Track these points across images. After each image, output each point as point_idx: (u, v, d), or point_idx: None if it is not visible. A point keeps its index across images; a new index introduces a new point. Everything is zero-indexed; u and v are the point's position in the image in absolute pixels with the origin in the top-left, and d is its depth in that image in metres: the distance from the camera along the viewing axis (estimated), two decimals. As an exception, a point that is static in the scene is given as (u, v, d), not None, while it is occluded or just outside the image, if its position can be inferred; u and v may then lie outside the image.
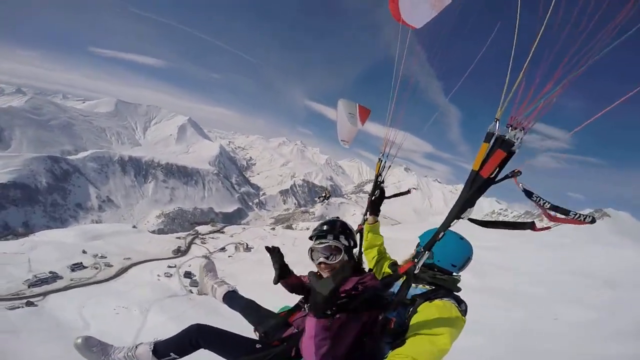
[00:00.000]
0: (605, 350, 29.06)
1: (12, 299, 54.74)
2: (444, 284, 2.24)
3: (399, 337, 2.10)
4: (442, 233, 1.81)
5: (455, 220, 1.69)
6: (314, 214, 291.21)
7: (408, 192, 3.67)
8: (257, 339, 2.76)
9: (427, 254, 1.91)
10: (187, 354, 2.59)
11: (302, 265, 3.20)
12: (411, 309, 2.16)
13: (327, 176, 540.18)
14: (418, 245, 2.33)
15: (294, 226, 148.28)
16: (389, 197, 3.65)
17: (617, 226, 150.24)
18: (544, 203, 1.50)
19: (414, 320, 2.02)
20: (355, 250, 2.79)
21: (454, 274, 2.33)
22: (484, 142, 1.52)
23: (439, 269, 2.30)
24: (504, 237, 78.15)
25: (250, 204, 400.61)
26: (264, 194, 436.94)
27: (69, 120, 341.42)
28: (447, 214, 1.72)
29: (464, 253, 2.32)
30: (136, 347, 2.59)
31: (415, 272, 1.95)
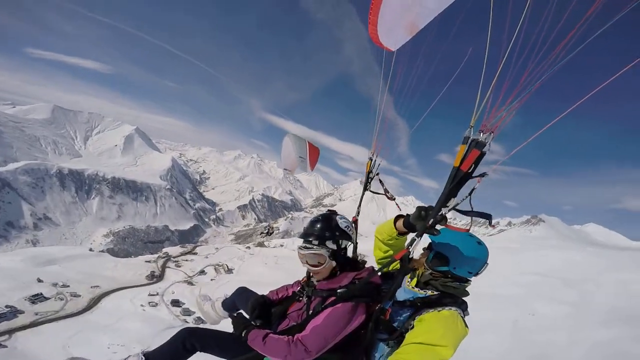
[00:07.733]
0: (590, 336, 33.48)
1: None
2: (454, 292, 2.20)
3: (392, 334, 2.18)
4: (431, 220, 1.97)
5: (443, 209, 1.96)
6: (279, 229, 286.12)
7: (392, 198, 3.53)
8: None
9: (418, 240, 2.14)
10: None
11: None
12: (411, 311, 2.19)
13: (286, 190, 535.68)
14: (429, 245, 2.35)
15: (266, 244, 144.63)
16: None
17: (553, 230, 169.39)
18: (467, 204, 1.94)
19: (419, 327, 2.04)
20: (350, 248, 2.70)
21: (470, 279, 2.25)
22: (462, 144, 1.89)
23: (452, 276, 2.21)
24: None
25: (207, 220, 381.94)
26: (220, 209, 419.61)
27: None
28: (434, 205, 2.02)
29: (482, 259, 2.20)
30: None
31: (410, 257, 2.15)
